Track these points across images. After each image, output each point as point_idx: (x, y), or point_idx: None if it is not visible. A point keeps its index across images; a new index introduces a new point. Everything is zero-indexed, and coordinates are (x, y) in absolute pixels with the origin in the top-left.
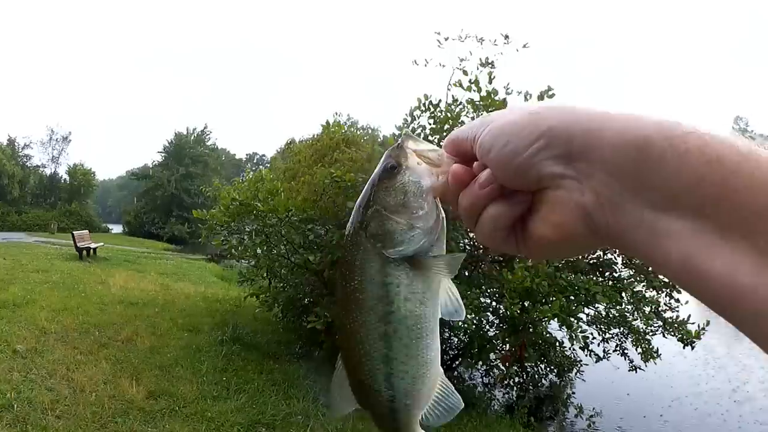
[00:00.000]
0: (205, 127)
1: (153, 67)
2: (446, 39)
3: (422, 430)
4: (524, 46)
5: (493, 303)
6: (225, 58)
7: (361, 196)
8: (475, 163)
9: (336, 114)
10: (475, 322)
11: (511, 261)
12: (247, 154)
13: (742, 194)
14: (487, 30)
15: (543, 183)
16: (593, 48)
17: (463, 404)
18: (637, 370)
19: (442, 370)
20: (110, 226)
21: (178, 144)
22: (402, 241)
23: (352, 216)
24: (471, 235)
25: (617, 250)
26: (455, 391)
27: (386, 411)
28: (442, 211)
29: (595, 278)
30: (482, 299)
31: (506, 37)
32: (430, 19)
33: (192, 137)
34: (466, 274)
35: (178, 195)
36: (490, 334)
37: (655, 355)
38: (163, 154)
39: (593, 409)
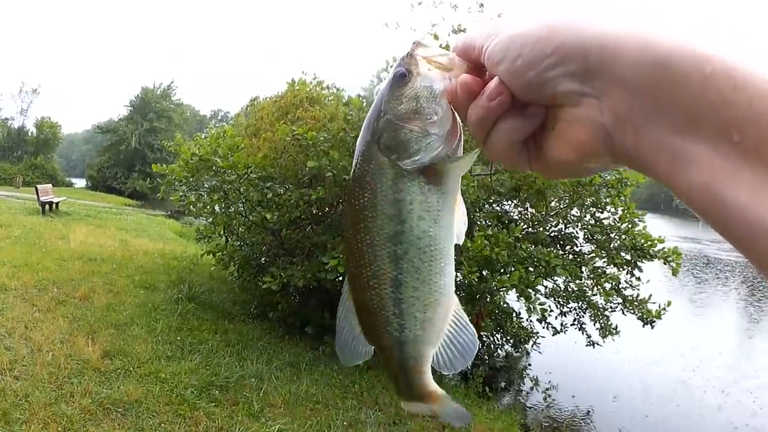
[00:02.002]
0: (171, 82)
1: (122, 19)
2: (419, 3)
3: (433, 385)
4: (498, 16)
5: None
6: (194, 12)
7: (371, 110)
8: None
9: (303, 73)
10: None
11: (470, 229)
12: (211, 111)
13: None
14: None
15: (559, 99)
16: None
17: (478, 344)
18: (595, 345)
19: (457, 299)
20: (74, 180)
21: (144, 98)
22: (418, 150)
23: (362, 131)
24: None
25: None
26: (470, 326)
27: (394, 343)
28: (460, 122)
29: (555, 251)
30: None
31: (481, 5)
32: None
33: (159, 91)
34: None
35: (142, 150)
36: None
37: (613, 331)
38: (129, 108)
39: (549, 382)
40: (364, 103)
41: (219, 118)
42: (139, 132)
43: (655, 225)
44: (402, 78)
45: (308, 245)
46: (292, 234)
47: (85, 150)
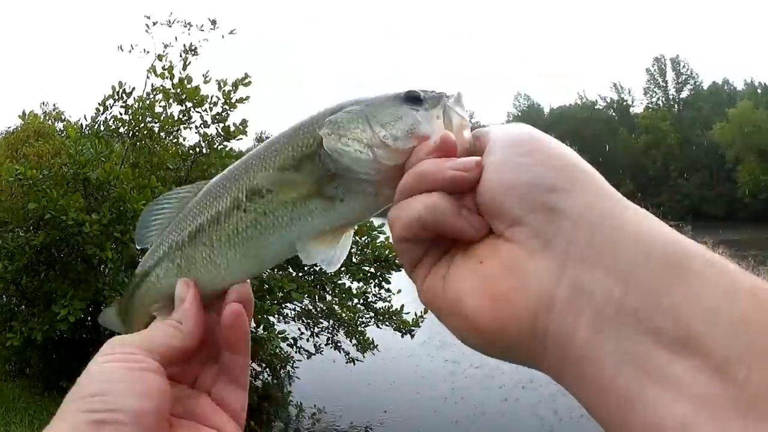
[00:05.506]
0: None
1: None
2: (154, 24)
3: None
4: (231, 32)
5: None
6: None
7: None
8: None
9: (43, 104)
10: None
11: None
12: None
13: None
14: (202, 14)
15: (514, 224)
16: None
17: None
18: (355, 362)
19: None
20: None
21: None
22: (347, 151)
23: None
24: None
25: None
26: None
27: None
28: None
29: (289, 274)
30: None
31: (213, 22)
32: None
33: None
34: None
35: None
36: None
37: (371, 346)
38: None
39: (315, 405)
40: (87, 132)
41: None
42: None
43: None
44: (411, 99)
45: (45, 294)
46: (30, 283)
47: None
